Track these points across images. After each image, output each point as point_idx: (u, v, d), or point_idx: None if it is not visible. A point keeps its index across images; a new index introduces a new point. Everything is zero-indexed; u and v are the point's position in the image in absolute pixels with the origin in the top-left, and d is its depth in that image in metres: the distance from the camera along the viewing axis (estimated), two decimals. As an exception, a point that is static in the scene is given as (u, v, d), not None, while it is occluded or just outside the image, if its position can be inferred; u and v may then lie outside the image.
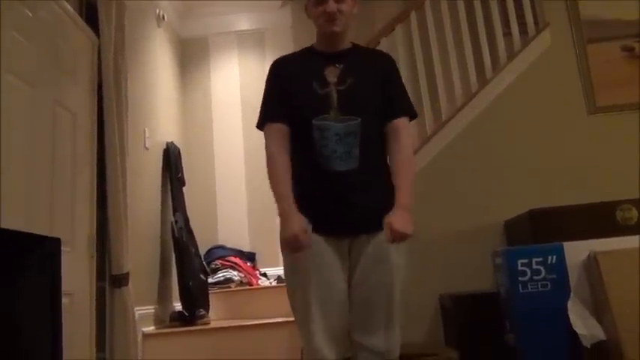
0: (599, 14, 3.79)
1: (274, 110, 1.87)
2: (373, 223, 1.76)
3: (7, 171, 1.96)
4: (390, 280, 1.75)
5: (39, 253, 1.34)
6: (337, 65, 1.84)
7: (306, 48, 1.98)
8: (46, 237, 1.47)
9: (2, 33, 2.00)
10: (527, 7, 3.79)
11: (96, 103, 2.81)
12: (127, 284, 2.73)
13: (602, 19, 3.78)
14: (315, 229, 1.75)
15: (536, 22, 3.81)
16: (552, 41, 3.72)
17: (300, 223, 1.72)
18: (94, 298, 2.63)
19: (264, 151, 1.87)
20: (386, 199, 1.81)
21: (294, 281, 1.79)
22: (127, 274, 2.73)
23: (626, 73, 3.65)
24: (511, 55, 3.69)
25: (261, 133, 1.90)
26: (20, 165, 2.09)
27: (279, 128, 1.85)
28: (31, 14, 2.22)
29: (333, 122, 1.76)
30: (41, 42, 2.31)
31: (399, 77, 1.96)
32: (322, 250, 1.74)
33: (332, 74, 1.82)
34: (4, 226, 1.41)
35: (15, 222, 1.67)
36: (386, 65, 1.94)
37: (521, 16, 3.81)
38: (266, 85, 1.94)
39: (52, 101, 2.40)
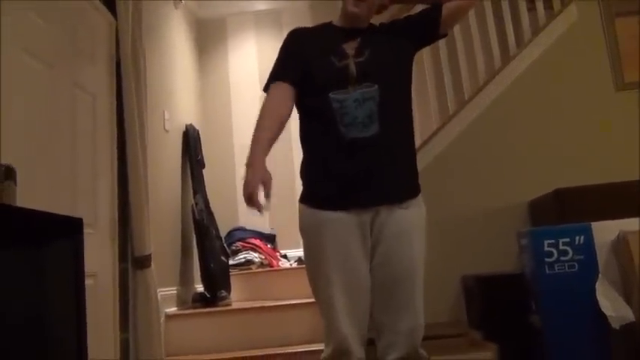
0: (628, -14, 3.66)
1: (283, 72, 1.84)
2: (395, 195, 1.74)
3: (28, 153, 1.96)
4: (412, 260, 1.72)
5: (62, 233, 1.33)
6: (355, 39, 1.80)
7: (324, 23, 1.95)
8: (69, 217, 1.46)
9: (21, 14, 1.99)
10: (552, -20, 3.67)
11: (115, 85, 2.80)
12: (149, 266, 2.74)
13: (630, -9, 3.64)
14: (338, 205, 1.71)
15: (561, -4, 3.69)
16: (579, 15, 3.60)
17: (260, 179, 1.65)
18: (117, 279, 2.64)
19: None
20: (409, 171, 1.79)
21: (314, 264, 1.75)
22: (150, 255, 2.74)
23: (656, 48, 3.52)
24: (536, 31, 3.59)
25: None
26: (41, 147, 2.09)
27: (285, 87, 1.81)
28: (48, -5, 2.21)
29: (351, 94, 1.72)
30: (59, 24, 2.30)
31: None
32: (345, 231, 1.70)
33: (350, 47, 1.79)
34: (27, 206, 1.39)
35: (38, 204, 1.67)
36: (398, 23, 1.95)
37: (546, -9, 3.70)
38: (279, 52, 1.91)
39: (71, 83, 2.39)
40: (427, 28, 1.91)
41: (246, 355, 2.89)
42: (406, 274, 1.71)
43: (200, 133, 4.07)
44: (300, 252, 4.07)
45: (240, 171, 4.84)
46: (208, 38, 4.76)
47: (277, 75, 1.85)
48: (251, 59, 4.75)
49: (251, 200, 1.65)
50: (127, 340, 2.66)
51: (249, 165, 1.71)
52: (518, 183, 3.31)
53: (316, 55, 1.81)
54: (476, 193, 3.32)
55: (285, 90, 1.82)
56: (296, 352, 2.85)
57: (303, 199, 1.81)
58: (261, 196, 1.66)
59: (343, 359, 1.69)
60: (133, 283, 2.74)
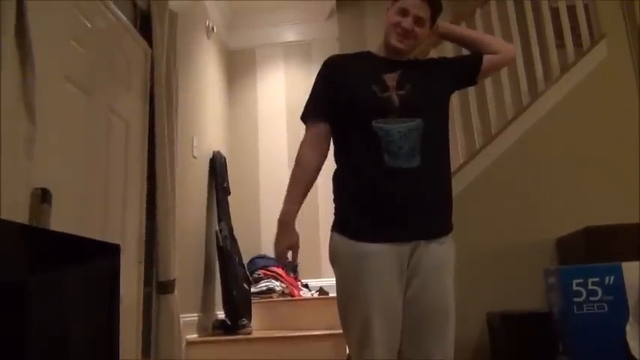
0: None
1: (320, 107, 1.87)
2: (435, 230, 1.74)
3: (63, 177, 2.01)
4: (446, 296, 1.71)
5: (99, 259, 1.36)
6: (396, 71, 1.82)
7: (362, 51, 1.98)
8: (107, 243, 1.48)
9: (63, 42, 2.06)
10: (581, 18, 3.68)
11: (147, 112, 2.86)
12: (172, 291, 2.76)
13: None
14: (379, 237, 1.70)
15: (591, 34, 3.69)
16: (609, 52, 3.59)
17: (289, 243, 1.78)
18: (142, 303, 2.66)
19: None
20: (447, 206, 1.80)
21: (350, 296, 1.72)
22: (174, 280, 2.76)
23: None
24: (564, 67, 3.58)
25: None
26: (76, 171, 2.13)
27: (320, 130, 1.86)
28: (88, 24, 2.28)
29: (394, 125, 1.73)
30: (97, 51, 2.37)
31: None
32: (385, 265, 1.69)
33: (391, 79, 1.80)
34: (61, 229, 1.43)
35: (70, 226, 1.71)
36: (439, 62, 2.02)
37: (575, 28, 3.70)
38: (316, 80, 1.93)
39: (106, 109, 2.45)
40: (466, 75, 1.97)
41: (266, 385, 2.86)
42: (440, 310, 1.70)
43: (227, 160, 4.12)
44: (321, 282, 4.09)
45: (265, 199, 4.87)
46: (238, 68, 4.87)
47: (315, 110, 1.88)
48: (279, 89, 4.83)
49: (281, 260, 1.83)
50: (147, 365, 2.66)
51: (281, 224, 1.82)
52: (546, 219, 3.27)
53: (357, 82, 1.82)
54: (503, 228, 3.28)
55: (321, 133, 1.86)
56: (316, 384, 2.82)
57: (339, 229, 1.79)
58: (289, 258, 1.81)
59: None
60: (156, 308, 2.75)
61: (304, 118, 1.90)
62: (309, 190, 1.86)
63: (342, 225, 1.79)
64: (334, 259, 1.78)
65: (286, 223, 1.81)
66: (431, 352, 1.68)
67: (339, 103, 1.82)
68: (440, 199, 1.79)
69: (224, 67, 4.66)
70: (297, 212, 1.83)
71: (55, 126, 1.97)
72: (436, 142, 1.79)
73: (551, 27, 3.64)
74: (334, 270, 1.78)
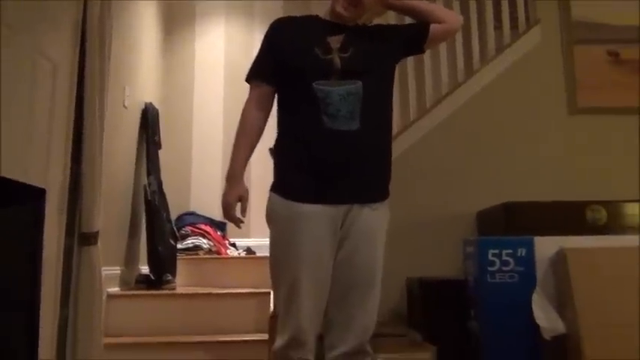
0: (590, 16, 3.82)
1: (264, 69, 1.89)
2: (370, 194, 1.78)
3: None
4: (375, 261, 1.77)
5: (21, 201, 1.29)
6: (340, 34, 1.83)
7: (310, 15, 1.97)
8: (30, 186, 1.41)
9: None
10: (520, 3, 3.80)
11: (77, 56, 2.72)
12: (95, 243, 2.68)
13: (591, 21, 3.81)
14: (314, 198, 1.73)
15: (527, 19, 3.83)
16: (541, 38, 3.74)
17: (238, 194, 1.81)
18: (62, 254, 2.57)
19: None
20: (384, 172, 1.83)
21: (283, 255, 1.75)
22: (97, 232, 2.68)
23: (610, 78, 3.70)
24: (500, 48, 3.71)
25: (241, 104, 1.94)
26: (-5, 110, 2.01)
27: (263, 90, 1.88)
28: (16, -46, 2.12)
29: (334, 87, 1.75)
30: (25, -16, 2.21)
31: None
32: (319, 226, 1.72)
33: (335, 41, 1.81)
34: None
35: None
36: (385, 28, 2.04)
37: (513, 11, 3.83)
38: (262, 42, 1.94)
39: (32, 48, 2.31)
40: (413, 42, 1.98)
41: (187, 340, 2.87)
42: (367, 274, 1.75)
43: (160, 113, 4.00)
44: (249, 241, 4.11)
45: (197, 155, 4.80)
46: (176, 19, 4.69)
47: (259, 73, 1.90)
48: (218, 46, 4.71)
49: (228, 213, 1.81)
50: (66, 316, 2.60)
51: (229, 179, 1.84)
52: (468, 193, 3.42)
53: (299, 45, 1.83)
54: (428, 199, 3.41)
55: (264, 94, 1.88)
56: (237, 341, 2.85)
57: (276, 189, 1.81)
58: (237, 211, 1.82)
59: (298, 350, 1.71)
60: (77, 260, 2.67)
61: (248, 79, 1.92)
62: (254, 148, 1.89)
63: (279, 185, 1.82)
64: (270, 218, 1.81)
65: (234, 176, 1.84)
66: (354, 314, 1.74)
67: (281, 66, 1.83)
68: (376, 164, 1.82)
69: (162, 18, 4.47)
70: (244, 168, 1.85)
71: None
72: (376, 106, 1.81)
73: (492, 8, 3.75)
74: (270, 229, 1.81)
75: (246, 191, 1.85)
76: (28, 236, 1.31)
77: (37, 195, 1.38)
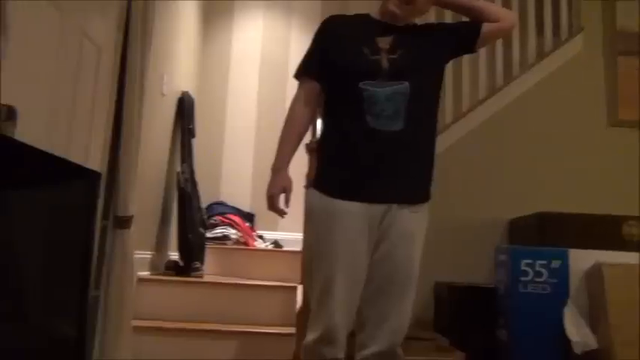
0: (635, 27, 3.74)
1: (313, 67, 1.90)
2: (410, 196, 1.77)
3: (31, 94, 1.93)
4: (412, 263, 1.76)
5: (77, 185, 1.31)
6: (390, 35, 1.82)
7: (361, 14, 1.97)
8: (88, 169, 1.44)
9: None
10: (563, 10, 3.74)
11: (121, 41, 2.75)
12: (129, 227, 2.71)
13: (636, 32, 3.73)
14: (352, 195, 1.73)
15: (570, 26, 3.76)
16: (584, 47, 3.68)
17: (282, 185, 1.83)
18: (97, 235, 2.61)
19: (287, 109, 1.92)
20: (426, 175, 1.81)
21: (319, 251, 1.76)
22: (132, 217, 2.72)
23: (653, 91, 3.62)
24: (541, 55, 3.65)
25: (275, 98, 1.94)
26: (44, 90, 2.05)
27: (312, 87, 1.89)
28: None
29: (380, 88, 1.74)
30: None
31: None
32: (355, 225, 1.72)
33: (384, 42, 1.80)
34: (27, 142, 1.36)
35: (36, 144, 1.65)
36: (436, 28, 2.05)
37: (556, 18, 3.77)
38: (312, 39, 1.95)
39: (79, 30, 2.34)
40: (464, 42, 1.94)
41: (213, 328, 2.89)
42: (403, 276, 1.74)
43: (195, 102, 4.03)
44: (276, 235, 4.12)
45: (229, 146, 4.83)
46: (215, 10, 4.71)
47: (307, 70, 1.91)
48: (256, 39, 4.72)
49: (271, 204, 1.83)
50: (97, 297, 2.64)
51: (275, 170, 1.86)
52: (503, 200, 3.38)
53: (348, 45, 1.83)
54: (461, 203, 3.38)
55: (312, 91, 1.90)
56: (262, 333, 2.86)
57: (316, 185, 1.83)
58: (281, 202, 1.84)
59: (329, 347, 1.71)
60: (111, 242, 2.71)
61: (297, 75, 1.94)
62: (299, 143, 1.91)
63: (319, 181, 1.83)
64: (308, 214, 1.82)
65: (279, 168, 1.86)
66: (388, 315, 1.73)
67: (329, 64, 1.84)
68: (418, 165, 1.81)
69: (201, 8, 4.51)
70: (289, 161, 1.87)
71: (25, 41, 1.87)
72: (422, 108, 1.80)
73: (534, 13, 3.69)
74: (307, 225, 1.82)
75: (291, 183, 1.86)
76: (81, 219, 1.33)
77: (93, 178, 1.40)
